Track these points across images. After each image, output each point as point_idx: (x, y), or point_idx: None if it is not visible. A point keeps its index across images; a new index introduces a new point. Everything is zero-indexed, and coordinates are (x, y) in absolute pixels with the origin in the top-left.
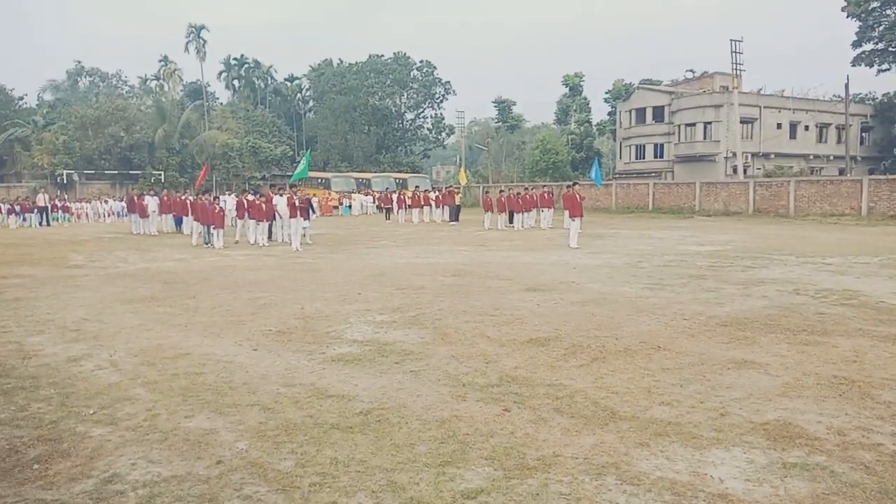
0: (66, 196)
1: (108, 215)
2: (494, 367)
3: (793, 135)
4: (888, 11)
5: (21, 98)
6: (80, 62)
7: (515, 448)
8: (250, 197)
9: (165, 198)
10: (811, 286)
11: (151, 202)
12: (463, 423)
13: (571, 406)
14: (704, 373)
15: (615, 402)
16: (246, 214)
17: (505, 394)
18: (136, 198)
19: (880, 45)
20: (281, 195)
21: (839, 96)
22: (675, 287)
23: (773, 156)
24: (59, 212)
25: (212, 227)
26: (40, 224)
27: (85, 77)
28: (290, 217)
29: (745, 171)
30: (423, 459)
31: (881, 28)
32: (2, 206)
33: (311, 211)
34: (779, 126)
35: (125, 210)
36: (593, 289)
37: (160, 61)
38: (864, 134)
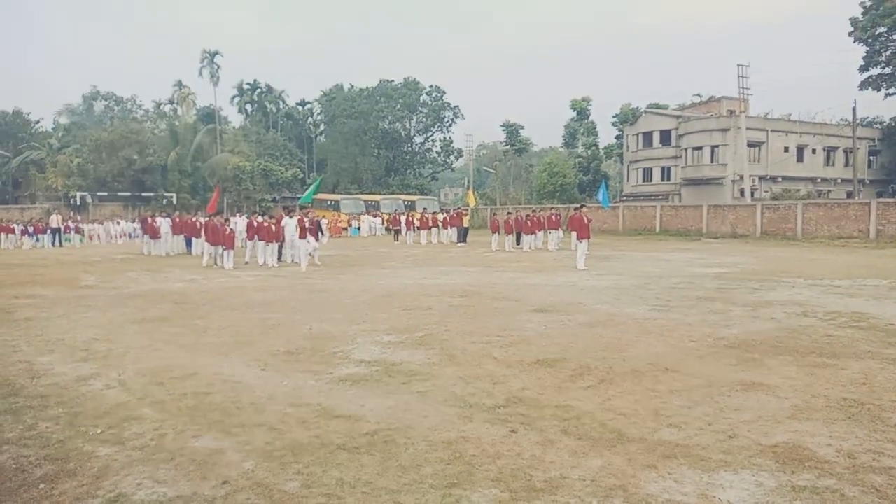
0: (78, 217)
1: (120, 236)
2: (501, 388)
3: (800, 158)
4: (895, 36)
5: (37, 122)
6: (95, 86)
7: (522, 470)
8: (260, 218)
9: (177, 219)
10: (820, 308)
11: (164, 223)
12: (470, 444)
13: (579, 428)
14: (713, 395)
15: (623, 424)
16: (255, 236)
17: (512, 415)
18: (148, 219)
19: (887, 70)
20: (291, 217)
21: (846, 120)
22: (683, 309)
23: (780, 179)
24: (72, 233)
25: (222, 248)
26: (53, 245)
27: (100, 101)
28: (300, 238)
29: (752, 194)
30: (429, 481)
31: (888, 53)
32: (16, 227)
33: (320, 233)
34: (786, 149)
35: (137, 231)
36: (601, 310)
37: (174, 86)
38: (871, 157)
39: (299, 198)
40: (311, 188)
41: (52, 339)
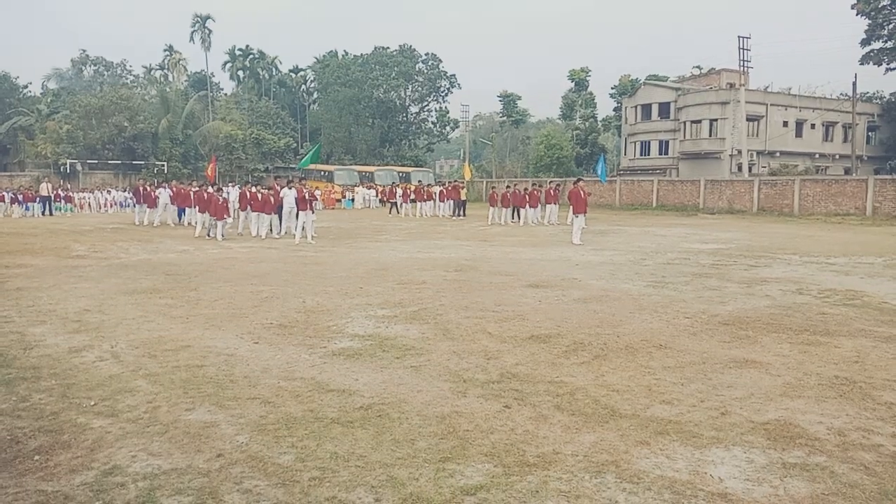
0: (69, 186)
1: (111, 205)
2: (495, 363)
3: (799, 133)
4: None
5: (25, 86)
6: (84, 51)
7: (515, 445)
8: (253, 189)
9: (176, 189)
10: (814, 286)
11: (164, 194)
12: (463, 419)
13: (572, 403)
14: (706, 371)
15: (616, 400)
16: (248, 206)
17: (505, 390)
18: (145, 188)
19: (889, 44)
20: (290, 188)
21: (846, 94)
22: (678, 285)
23: (778, 154)
24: (62, 201)
25: (215, 218)
26: (43, 213)
27: (90, 66)
28: (300, 210)
29: (749, 170)
30: (422, 455)
31: (890, 26)
32: (5, 195)
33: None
34: (785, 124)
35: (128, 200)
36: (596, 286)
37: (165, 51)
38: (870, 133)
39: (292, 168)
40: (311, 153)
41: (44, 309)
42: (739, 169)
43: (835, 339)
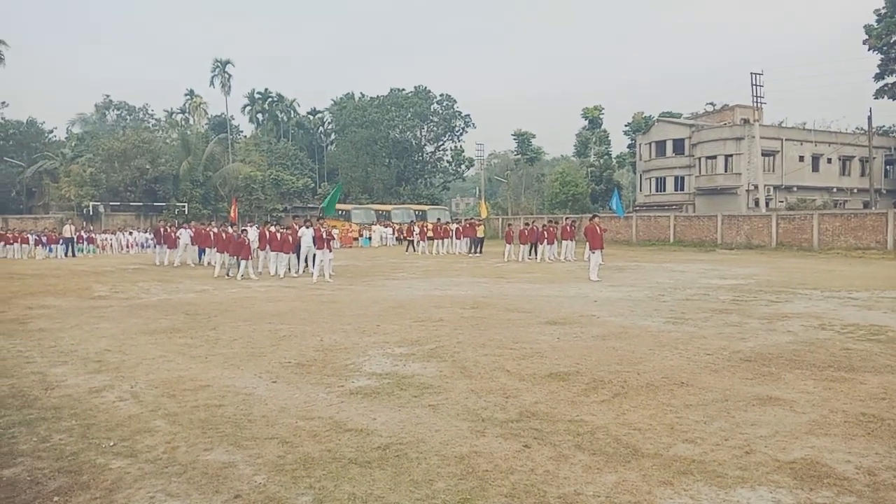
0: (91, 227)
1: (132, 246)
2: (514, 401)
3: (815, 167)
4: None
5: (51, 131)
6: (108, 96)
7: (535, 485)
8: (272, 228)
9: (196, 229)
10: (837, 321)
11: (185, 234)
12: (482, 459)
13: (593, 443)
14: (729, 409)
15: (637, 439)
16: (268, 246)
17: (525, 429)
18: (165, 229)
19: None
20: (308, 227)
21: (862, 129)
22: (698, 321)
23: (795, 189)
24: (85, 243)
25: (238, 258)
26: (66, 255)
27: (113, 110)
28: (318, 249)
29: (767, 204)
30: (441, 496)
31: None
32: (29, 237)
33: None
34: (801, 159)
35: (148, 241)
36: (614, 322)
37: (186, 95)
38: (888, 167)
39: (312, 208)
40: (333, 195)
41: (65, 349)
42: (756, 204)
43: (860, 375)
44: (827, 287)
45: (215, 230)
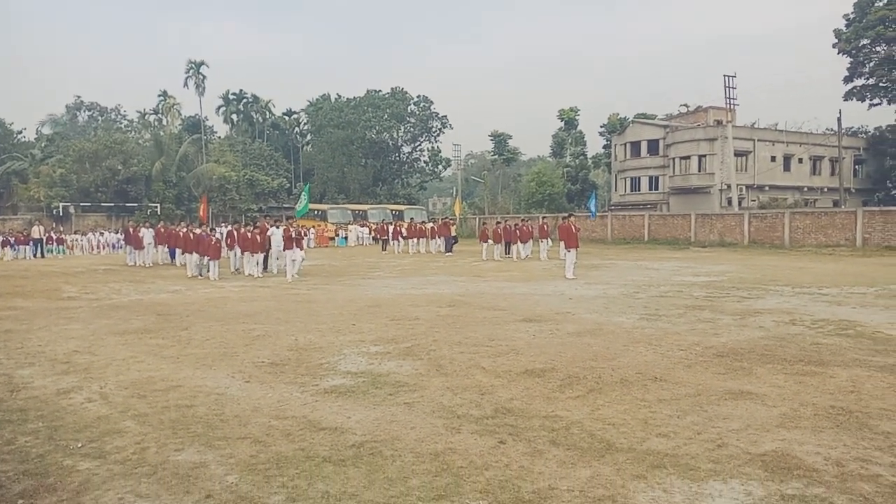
0: (61, 228)
1: (103, 247)
2: (489, 398)
3: (787, 167)
4: (878, 48)
5: (20, 132)
6: (79, 97)
7: (510, 481)
8: (242, 228)
9: (162, 230)
10: (807, 316)
11: (147, 234)
12: (457, 455)
13: (567, 438)
14: (701, 404)
15: (611, 434)
16: (236, 245)
17: (500, 426)
18: (132, 229)
19: (871, 81)
20: (277, 227)
21: (832, 130)
22: (672, 318)
23: (767, 188)
24: (55, 244)
25: (207, 258)
26: (35, 256)
27: (84, 111)
28: (286, 249)
29: (739, 203)
30: (416, 493)
31: (871, 64)
32: None
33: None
34: (773, 159)
35: (120, 242)
36: (589, 319)
37: (159, 96)
38: (857, 166)
39: (287, 208)
40: (304, 198)
41: (32, 351)
42: (729, 203)
43: (830, 369)
44: (798, 283)
45: (183, 231)
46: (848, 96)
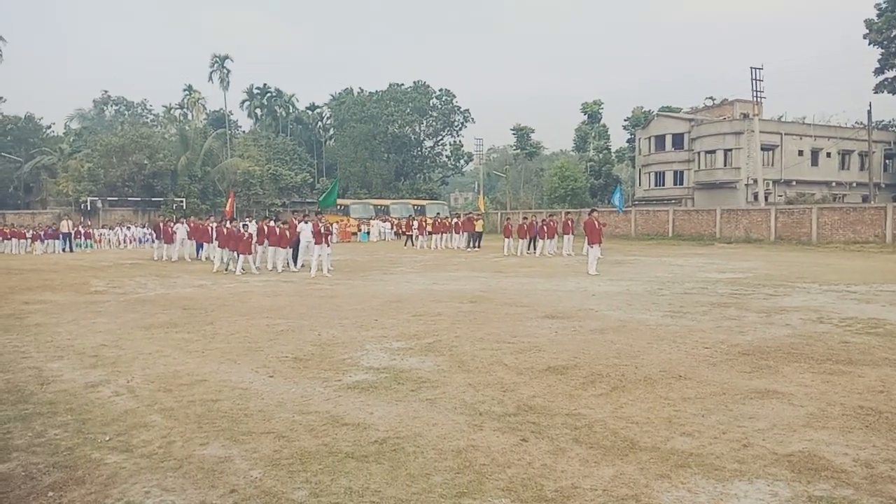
0: (89, 222)
1: (130, 241)
2: (512, 395)
3: (815, 162)
4: None
5: (49, 127)
6: (106, 91)
7: (533, 479)
8: (271, 223)
9: (193, 224)
10: (835, 314)
11: (181, 229)
12: (480, 452)
13: (590, 436)
14: (727, 402)
15: (635, 433)
16: (265, 241)
17: (522, 423)
18: (162, 224)
19: None
20: (306, 222)
21: (861, 123)
22: (696, 315)
23: (794, 183)
24: (83, 238)
25: (237, 252)
26: (63, 250)
27: (111, 106)
28: (316, 244)
29: (766, 199)
30: (438, 490)
31: None
32: (27, 232)
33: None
34: (800, 153)
35: (146, 236)
36: (612, 316)
37: (184, 90)
38: (887, 161)
39: (310, 203)
40: (332, 190)
41: (62, 344)
42: (756, 198)
43: (858, 368)
44: (825, 281)
45: (214, 225)
46: (878, 88)
